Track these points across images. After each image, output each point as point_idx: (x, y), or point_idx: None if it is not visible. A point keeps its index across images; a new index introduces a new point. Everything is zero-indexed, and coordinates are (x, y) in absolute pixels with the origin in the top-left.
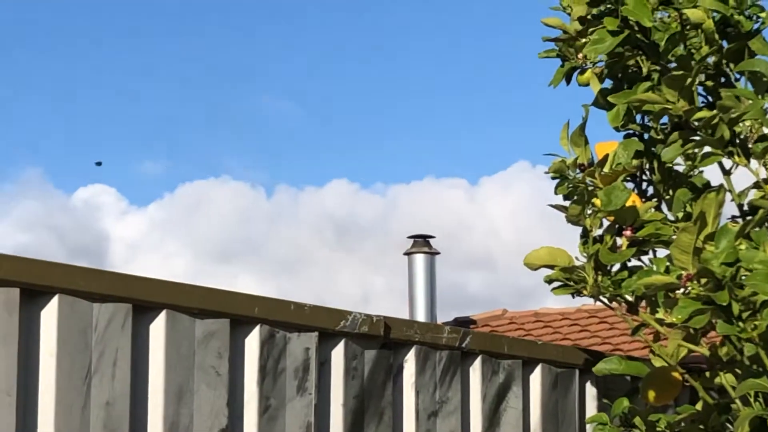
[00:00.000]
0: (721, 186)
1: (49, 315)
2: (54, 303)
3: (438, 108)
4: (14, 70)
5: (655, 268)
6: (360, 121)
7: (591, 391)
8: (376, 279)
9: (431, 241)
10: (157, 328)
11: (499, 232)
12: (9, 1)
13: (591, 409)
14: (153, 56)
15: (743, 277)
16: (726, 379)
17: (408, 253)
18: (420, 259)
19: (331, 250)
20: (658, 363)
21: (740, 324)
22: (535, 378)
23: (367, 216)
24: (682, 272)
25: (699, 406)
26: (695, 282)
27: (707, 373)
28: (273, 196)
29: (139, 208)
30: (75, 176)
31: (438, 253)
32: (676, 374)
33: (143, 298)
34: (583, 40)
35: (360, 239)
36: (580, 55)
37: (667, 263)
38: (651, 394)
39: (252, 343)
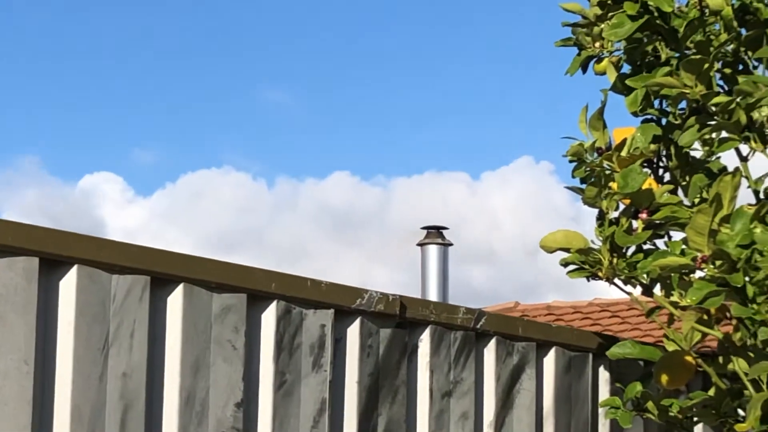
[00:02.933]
0: (737, 169)
1: (68, 285)
2: (73, 273)
3: (440, 103)
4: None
5: (670, 250)
6: (362, 114)
7: (604, 375)
8: (378, 270)
9: (444, 233)
10: (175, 301)
11: (501, 227)
12: None
13: (604, 392)
14: (151, 44)
15: (758, 260)
16: (739, 364)
17: (421, 244)
18: (433, 251)
19: (332, 242)
20: (671, 347)
21: (754, 306)
22: (549, 361)
23: (368, 209)
24: (698, 254)
25: (711, 391)
26: (710, 264)
27: (720, 359)
28: (274, 188)
29: (145, 198)
30: (77, 165)
31: (451, 245)
32: (689, 358)
33: (161, 271)
34: (602, 26)
35: (361, 232)
36: (597, 44)
37: (683, 245)
38: (664, 378)
39: (268, 318)
